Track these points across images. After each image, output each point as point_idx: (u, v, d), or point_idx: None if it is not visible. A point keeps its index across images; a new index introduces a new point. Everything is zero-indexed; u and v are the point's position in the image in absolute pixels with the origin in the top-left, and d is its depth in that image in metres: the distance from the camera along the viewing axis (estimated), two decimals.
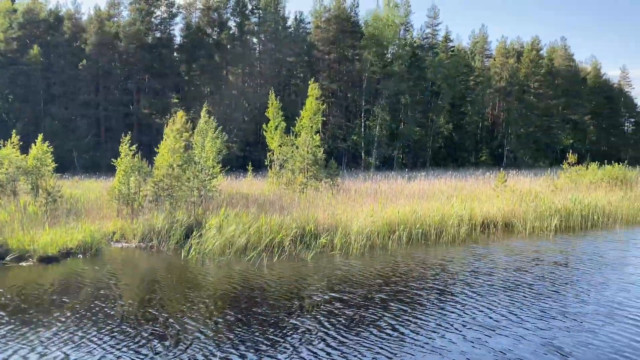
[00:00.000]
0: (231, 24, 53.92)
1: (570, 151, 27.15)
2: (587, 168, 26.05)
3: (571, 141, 74.55)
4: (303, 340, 6.87)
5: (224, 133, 19.16)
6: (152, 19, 50.43)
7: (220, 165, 18.04)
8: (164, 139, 17.40)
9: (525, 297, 8.90)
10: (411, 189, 21.00)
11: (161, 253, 12.64)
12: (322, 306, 8.34)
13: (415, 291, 9.24)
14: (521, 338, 6.91)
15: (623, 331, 7.08)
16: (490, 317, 7.79)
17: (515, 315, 7.89)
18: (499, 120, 73.58)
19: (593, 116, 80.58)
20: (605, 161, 29.06)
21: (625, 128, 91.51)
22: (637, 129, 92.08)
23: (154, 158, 17.47)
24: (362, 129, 55.73)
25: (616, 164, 26.47)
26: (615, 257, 12.56)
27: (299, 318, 7.77)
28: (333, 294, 8.95)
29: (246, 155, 47.22)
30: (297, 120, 21.58)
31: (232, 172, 32.83)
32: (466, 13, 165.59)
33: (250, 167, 26.71)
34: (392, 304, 8.52)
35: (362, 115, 56.45)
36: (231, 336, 6.98)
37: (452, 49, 70.22)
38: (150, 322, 7.46)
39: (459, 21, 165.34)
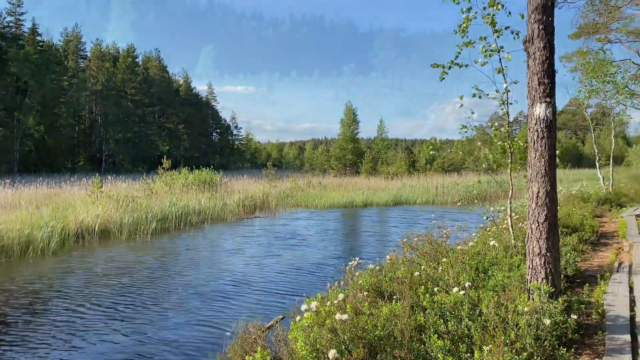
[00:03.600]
0: None
1: (165, 157, 28.79)
2: (180, 172, 28.15)
3: (168, 148, 79.66)
4: None
5: None
6: None
7: None
8: None
9: (147, 295, 9.28)
10: None
11: None
12: None
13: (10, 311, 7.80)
14: (158, 328, 7.37)
15: (237, 302, 8.74)
16: (124, 320, 7.83)
17: (147, 309, 8.35)
18: (97, 124, 71.56)
19: (186, 125, 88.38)
20: (194, 166, 32.11)
21: (213, 137, 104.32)
22: (222, 138, 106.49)
23: None
24: None
25: (205, 168, 29.62)
26: (211, 249, 14.24)
27: None
28: None
29: None
30: None
31: None
32: (56, 9, 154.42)
33: None
34: None
35: None
36: None
37: (41, 43, 63.88)
38: None
39: (51, 16, 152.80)
